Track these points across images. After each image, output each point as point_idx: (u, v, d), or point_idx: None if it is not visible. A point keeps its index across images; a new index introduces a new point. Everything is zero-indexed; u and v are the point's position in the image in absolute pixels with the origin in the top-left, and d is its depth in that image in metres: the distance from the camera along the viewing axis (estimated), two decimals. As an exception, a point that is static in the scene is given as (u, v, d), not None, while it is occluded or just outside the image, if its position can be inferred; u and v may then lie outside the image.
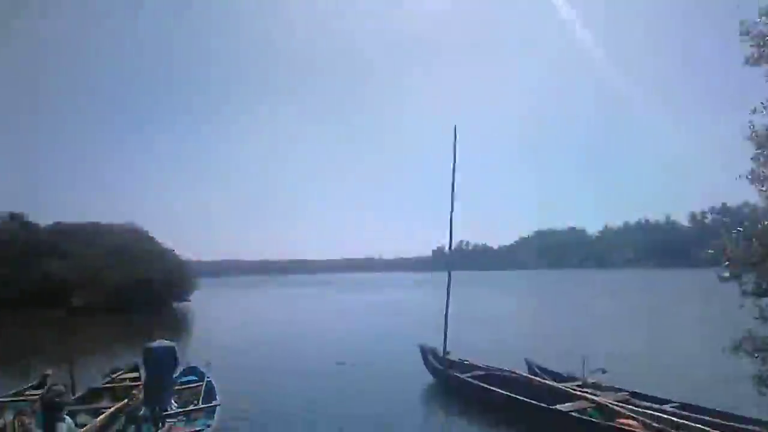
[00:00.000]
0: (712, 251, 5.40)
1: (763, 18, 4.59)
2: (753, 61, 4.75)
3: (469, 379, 10.18)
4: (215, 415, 8.15)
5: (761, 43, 4.63)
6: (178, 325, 28.50)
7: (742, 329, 5.24)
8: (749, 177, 6.02)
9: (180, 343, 19.60)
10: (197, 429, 7.52)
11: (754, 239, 5.00)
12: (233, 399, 9.96)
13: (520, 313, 32.32)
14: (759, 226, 5.08)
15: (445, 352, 11.33)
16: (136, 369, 10.97)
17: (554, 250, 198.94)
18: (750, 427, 6.28)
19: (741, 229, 5.20)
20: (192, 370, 11.02)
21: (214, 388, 9.64)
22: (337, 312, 34.66)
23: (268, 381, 12.41)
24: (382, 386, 11.55)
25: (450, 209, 11.50)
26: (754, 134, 5.90)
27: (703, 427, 6.47)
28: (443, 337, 11.29)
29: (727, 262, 5.21)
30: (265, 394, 11.03)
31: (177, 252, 43.72)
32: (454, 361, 11.45)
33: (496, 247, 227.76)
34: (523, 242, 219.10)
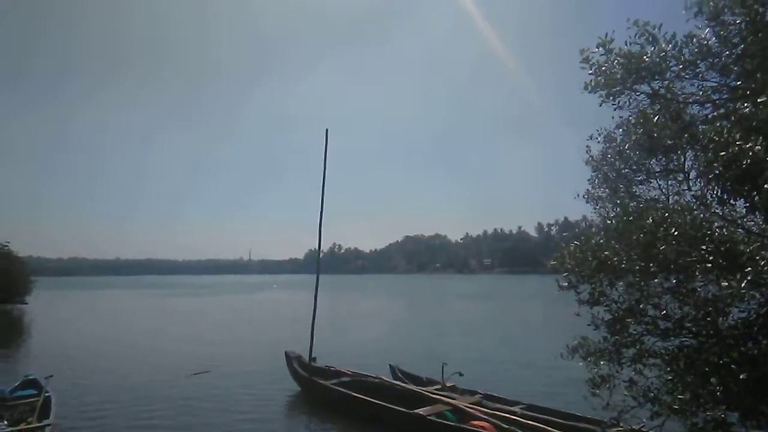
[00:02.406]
0: (554, 262, 5.90)
1: (600, 49, 5.08)
2: (591, 88, 5.24)
3: (334, 387, 10.13)
4: None
5: (597, 72, 5.12)
6: (11, 331, 24.91)
7: (577, 335, 5.77)
8: (585, 197, 6.71)
9: (15, 352, 17.25)
10: None
11: (588, 253, 5.54)
12: (72, 416, 9.25)
13: (387, 318, 33.17)
14: (592, 241, 5.64)
15: (311, 359, 11.15)
16: None
17: (421, 255, 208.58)
18: (583, 425, 7.10)
19: (578, 243, 5.74)
20: (31, 383, 10.01)
21: (50, 403, 8.71)
22: (199, 316, 32.67)
23: (116, 394, 11.27)
24: (243, 397, 11.02)
25: (320, 211, 11.37)
26: (590, 158, 6.59)
27: (545, 426, 7.15)
28: (309, 343, 11.10)
29: (565, 273, 5.71)
30: (111, 409, 10.02)
31: (11, 248, 37.92)
32: (319, 368, 11.33)
33: (367, 251, 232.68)
34: (393, 247, 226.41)
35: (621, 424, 5.59)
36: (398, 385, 10.04)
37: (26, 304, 36.41)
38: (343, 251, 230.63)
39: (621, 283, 5.61)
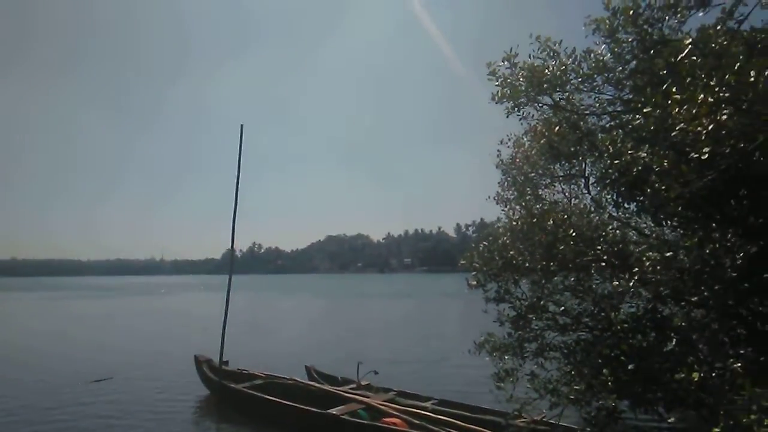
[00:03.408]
0: (464, 261, 6.11)
1: (505, 62, 5.29)
2: (497, 99, 5.45)
3: (246, 390, 9.82)
4: None
5: (503, 84, 5.34)
6: None
7: (484, 332, 6.00)
8: (495, 199, 7.01)
9: None
10: None
11: (495, 252, 5.78)
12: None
13: (304, 318, 32.77)
14: (499, 241, 5.90)
15: (222, 362, 10.72)
16: None
17: (343, 255, 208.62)
18: (489, 417, 7.45)
19: (486, 243, 5.98)
20: None
21: None
22: (104, 320, 30.53)
23: (7, 402, 10.45)
24: (148, 404, 10.40)
25: (233, 208, 11.01)
26: (500, 162, 6.89)
27: (455, 421, 7.41)
28: (220, 345, 10.69)
29: (474, 272, 5.93)
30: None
31: None
32: (231, 372, 10.95)
33: (289, 250, 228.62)
34: (315, 246, 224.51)
35: (523, 415, 5.88)
36: (312, 385, 9.93)
37: None
38: (263, 251, 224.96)
39: (525, 281, 5.92)
